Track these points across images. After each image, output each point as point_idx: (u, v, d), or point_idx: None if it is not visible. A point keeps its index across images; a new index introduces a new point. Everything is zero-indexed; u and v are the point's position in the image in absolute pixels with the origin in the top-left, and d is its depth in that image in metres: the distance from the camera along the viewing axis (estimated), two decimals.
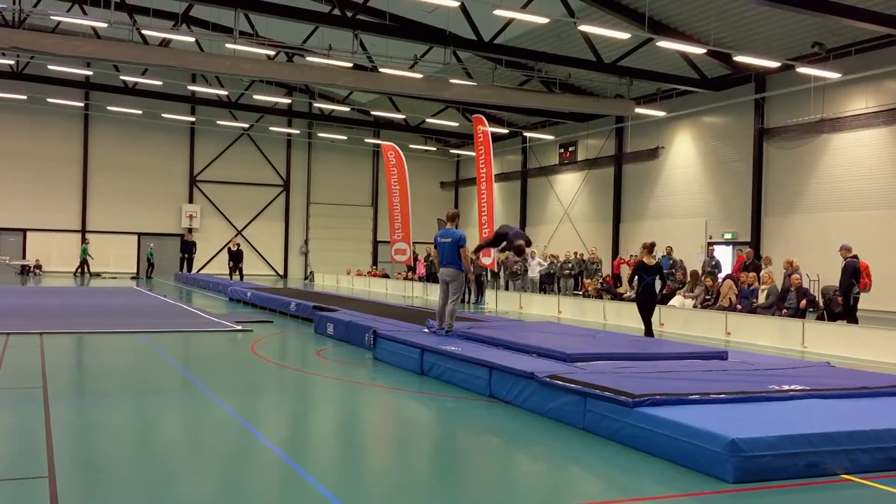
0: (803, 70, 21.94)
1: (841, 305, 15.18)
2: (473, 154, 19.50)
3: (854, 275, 14.87)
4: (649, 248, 12.47)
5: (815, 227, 23.42)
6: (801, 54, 22.94)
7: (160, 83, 33.36)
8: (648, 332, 12.60)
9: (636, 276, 12.51)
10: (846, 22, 19.15)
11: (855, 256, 15.10)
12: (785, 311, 15.72)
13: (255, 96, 34.60)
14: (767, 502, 4.96)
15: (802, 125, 23.90)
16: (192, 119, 39.59)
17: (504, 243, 11.07)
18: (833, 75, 21.80)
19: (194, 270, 35.80)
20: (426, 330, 11.33)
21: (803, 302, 15.63)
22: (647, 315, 12.51)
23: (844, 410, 6.31)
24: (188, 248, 35.21)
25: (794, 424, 5.66)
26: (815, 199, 23.75)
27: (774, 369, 8.26)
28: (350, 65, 25.77)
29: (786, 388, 6.90)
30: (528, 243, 10.90)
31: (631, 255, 26.70)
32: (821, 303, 16.42)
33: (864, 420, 5.90)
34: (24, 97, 34.85)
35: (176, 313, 17.35)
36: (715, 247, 25.94)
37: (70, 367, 10.34)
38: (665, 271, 23.16)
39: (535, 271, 25.88)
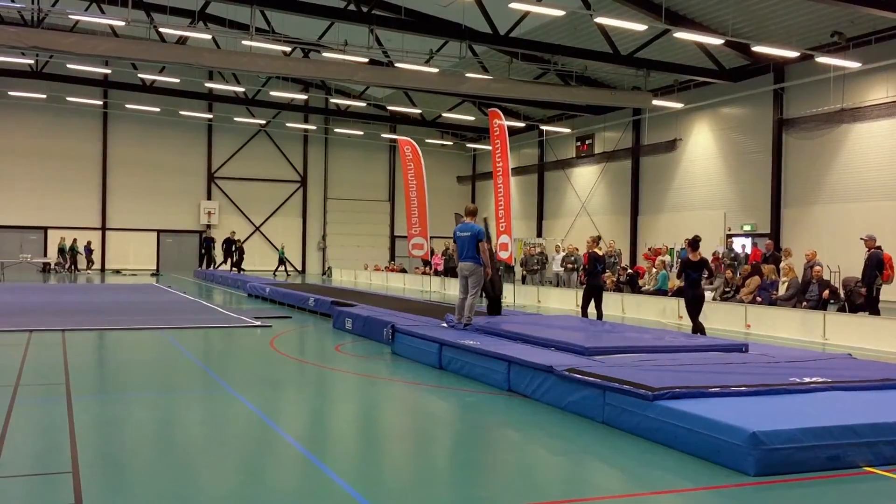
0: (823, 60, 21.72)
1: (864, 297, 15.02)
2: (490, 148, 19.45)
3: (878, 266, 14.72)
4: (597, 240, 13.88)
5: (835, 218, 23.20)
6: (820, 44, 22.70)
7: (177, 81, 33.55)
8: (599, 316, 13.52)
9: (595, 266, 13.59)
10: (866, 10, 18.94)
11: (879, 247, 14.94)
12: (806, 303, 15.59)
13: (272, 93, 34.71)
14: (789, 495, 4.93)
15: (822, 115, 23.66)
16: (210, 116, 39.80)
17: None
18: (853, 65, 21.57)
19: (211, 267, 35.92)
20: (444, 324, 11.33)
21: (826, 293, 15.49)
22: (598, 300, 13.56)
23: (867, 402, 6.25)
24: (210, 245, 35.34)
25: (815, 417, 5.62)
26: (835, 189, 23.52)
27: (795, 361, 8.21)
28: (366, 60, 25.80)
29: (807, 380, 6.86)
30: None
31: (649, 249, 26.58)
32: (842, 294, 16.26)
33: (887, 412, 5.84)
34: (44, 96, 35.17)
35: (196, 309, 17.47)
36: (734, 239, 25.76)
37: (92, 363, 10.44)
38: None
39: (559, 265, 25.74)
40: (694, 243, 12.05)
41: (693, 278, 11.84)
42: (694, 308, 12.00)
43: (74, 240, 36.92)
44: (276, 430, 6.54)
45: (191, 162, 40.72)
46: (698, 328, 11.98)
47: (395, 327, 11.19)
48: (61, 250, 36.43)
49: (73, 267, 36.29)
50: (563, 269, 25.36)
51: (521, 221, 37.19)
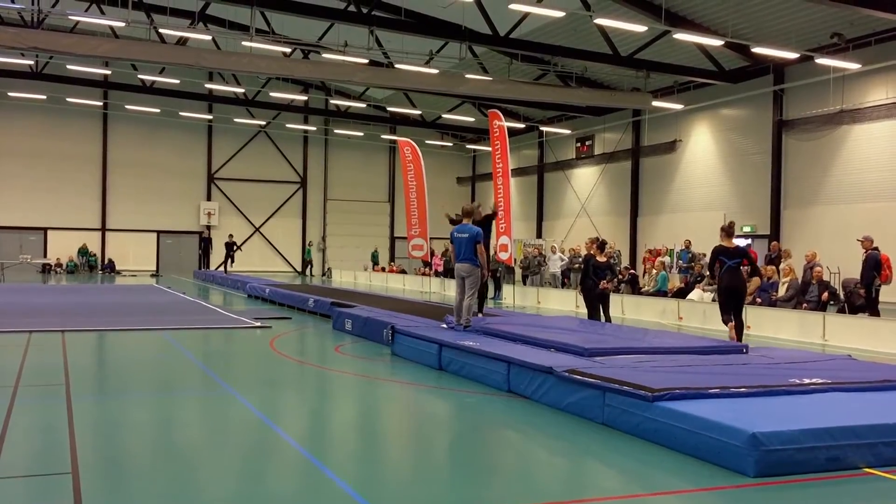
0: (822, 61, 21.73)
1: (863, 298, 15.02)
2: (490, 149, 19.45)
3: (876, 267, 14.72)
4: (600, 245, 13.44)
5: (835, 220, 23.20)
6: (820, 45, 22.70)
7: (177, 82, 33.54)
8: (607, 319, 13.30)
9: (588, 270, 13.42)
10: (865, 12, 18.95)
11: (876, 248, 14.94)
12: (805, 304, 15.58)
13: (272, 94, 34.71)
14: (789, 496, 4.93)
15: (822, 116, 23.67)
16: (210, 117, 39.79)
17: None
18: (853, 66, 21.58)
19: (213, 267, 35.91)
20: (444, 325, 11.34)
21: (825, 294, 15.49)
22: (605, 305, 13.32)
23: (866, 403, 6.25)
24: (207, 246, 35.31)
25: (815, 418, 5.62)
26: (835, 190, 23.52)
27: (795, 362, 8.20)
28: (366, 61, 25.79)
29: (807, 381, 6.85)
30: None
31: (648, 250, 26.58)
32: (842, 295, 16.26)
33: (887, 413, 5.84)
34: (44, 97, 35.15)
35: (195, 310, 17.46)
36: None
37: (92, 364, 10.43)
38: (684, 265, 23.16)
39: (556, 266, 25.74)
40: (601, 245, 13.43)
41: (602, 276, 13.09)
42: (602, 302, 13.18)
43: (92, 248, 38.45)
44: (277, 431, 6.54)
45: (191, 163, 40.70)
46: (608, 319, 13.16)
47: (395, 328, 11.19)
48: (83, 254, 37.99)
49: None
50: (560, 270, 25.32)
51: (520, 222, 37.18)
